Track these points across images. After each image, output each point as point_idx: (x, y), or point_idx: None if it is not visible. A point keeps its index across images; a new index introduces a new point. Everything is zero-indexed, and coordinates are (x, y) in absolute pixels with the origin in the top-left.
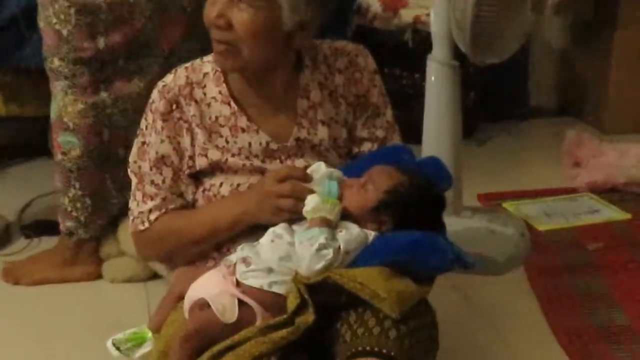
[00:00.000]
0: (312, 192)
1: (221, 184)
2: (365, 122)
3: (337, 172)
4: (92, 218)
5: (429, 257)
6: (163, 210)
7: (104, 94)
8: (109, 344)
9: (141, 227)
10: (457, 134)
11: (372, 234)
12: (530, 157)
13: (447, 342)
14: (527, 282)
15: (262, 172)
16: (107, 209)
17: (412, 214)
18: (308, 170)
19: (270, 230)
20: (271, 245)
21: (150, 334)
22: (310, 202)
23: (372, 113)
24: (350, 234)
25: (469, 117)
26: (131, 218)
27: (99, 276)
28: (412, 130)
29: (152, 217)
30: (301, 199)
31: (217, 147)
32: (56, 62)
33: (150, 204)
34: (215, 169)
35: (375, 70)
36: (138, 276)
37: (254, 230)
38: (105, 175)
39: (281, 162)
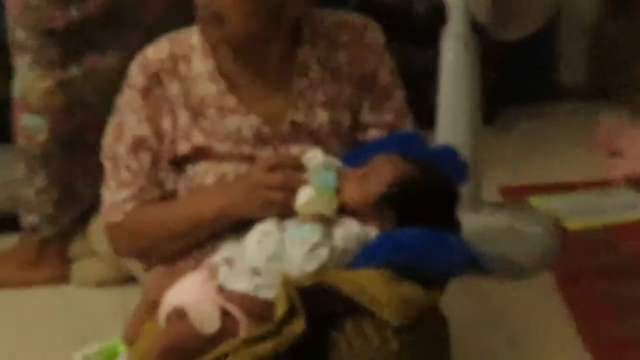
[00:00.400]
0: (306, 183)
1: (205, 173)
2: (372, 106)
3: (334, 161)
4: (59, 212)
5: (438, 258)
6: (139, 201)
7: (74, 69)
8: (78, 359)
9: (115, 219)
10: (475, 119)
11: (373, 232)
12: (559, 145)
13: (461, 356)
14: (555, 287)
15: (252, 160)
16: (76, 201)
17: (419, 210)
18: (303, 159)
19: (258, 226)
20: (258, 243)
21: (122, 347)
22: (304, 195)
23: (380, 95)
24: (349, 231)
25: (490, 99)
26: (104, 208)
27: (66, 279)
28: (424, 114)
29: (128, 207)
30: (293, 191)
31: (201, 130)
32: (21, 33)
33: (125, 192)
34: (199, 155)
35: (384, 46)
36: (112, 279)
37: (242, 226)
38: (76, 163)
39: (274, 149)
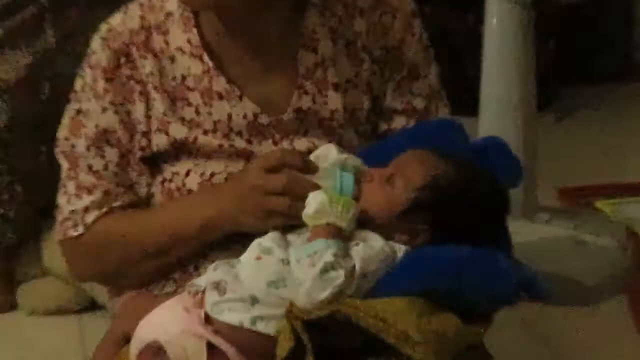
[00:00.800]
0: (316, 187)
1: (188, 173)
2: (399, 87)
3: (353, 159)
4: (21, 214)
5: (484, 283)
6: (105, 209)
7: (48, 32)
8: None
9: (73, 233)
10: (528, 103)
11: (401, 249)
12: (633, 137)
13: None
14: (629, 313)
15: (246, 156)
16: (37, 200)
17: (460, 221)
18: (312, 156)
19: (256, 242)
20: (256, 264)
21: None
22: (314, 202)
23: (409, 74)
24: (370, 248)
25: (547, 78)
26: (59, 219)
27: (12, 306)
28: (464, 97)
29: (89, 218)
30: (300, 198)
31: (182, 120)
32: None
33: (86, 199)
34: (179, 151)
35: (413, 12)
36: (68, 305)
37: (233, 242)
38: (41, 150)
39: (274, 143)
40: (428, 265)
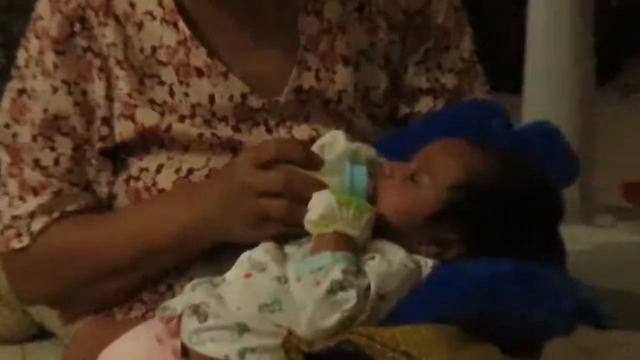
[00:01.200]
0: (321, 186)
1: (159, 169)
2: (424, 61)
3: (366, 150)
4: None
5: (530, 307)
6: (55, 214)
7: None
8: None
9: (16, 244)
10: (585, 78)
11: (428, 264)
12: None
13: None
14: None
15: (233, 148)
16: None
17: (501, 229)
18: (315, 147)
19: (245, 255)
20: (245, 283)
21: None
22: (319, 205)
23: (436, 44)
24: (389, 263)
25: (608, 46)
26: None
27: None
28: (505, 71)
29: (36, 226)
30: (301, 199)
31: (153, 102)
32: None
33: (32, 202)
34: (149, 141)
35: None
36: (10, 333)
37: (217, 254)
38: None
39: (268, 131)
40: (461, 284)
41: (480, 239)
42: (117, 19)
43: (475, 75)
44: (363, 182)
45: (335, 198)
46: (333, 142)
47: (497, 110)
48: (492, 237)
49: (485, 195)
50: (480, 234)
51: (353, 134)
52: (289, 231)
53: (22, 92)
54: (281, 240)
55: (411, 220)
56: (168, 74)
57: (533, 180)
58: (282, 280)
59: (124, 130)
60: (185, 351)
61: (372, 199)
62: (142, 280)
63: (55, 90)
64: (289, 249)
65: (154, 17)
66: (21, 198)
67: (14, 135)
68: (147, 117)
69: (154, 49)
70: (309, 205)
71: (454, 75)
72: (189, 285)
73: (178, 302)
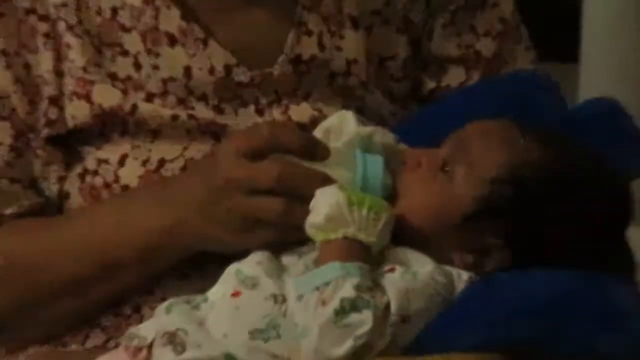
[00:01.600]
0: (327, 180)
1: (123, 161)
2: (453, 23)
3: (383, 135)
4: None
5: (595, 331)
6: None
7: None
8: None
9: None
10: None
11: (462, 277)
12: None
13: None
14: None
15: (215, 133)
16: None
17: (555, 232)
18: (318, 131)
19: (232, 269)
20: (233, 303)
21: None
22: (324, 205)
23: (469, 2)
24: (414, 276)
25: None
26: None
27: None
28: (557, 35)
29: None
30: (302, 197)
31: (114, 77)
32: None
33: None
34: (109, 126)
35: None
36: None
37: (196, 268)
38: None
39: (259, 112)
40: (508, 303)
41: (529, 245)
42: None
43: (517, 40)
44: (379, 175)
45: (345, 196)
46: (341, 126)
47: (546, 83)
48: (544, 243)
49: (536, 190)
50: (529, 239)
51: (366, 114)
52: (286, 237)
53: None
54: (277, 249)
55: (441, 222)
56: (132, 42)
57: (594, 172)
58: (279, 299)
59: (77, 112)
60: None
61: (391, 196)
62: (101, 301)
63: None
64: (287, 259)
65: None
66: None
67: None
68: (107, 96)
69: (114, 11)
70: (311, 205)
71: (490, 40)
72: (161, 307)
73: (148, 329)
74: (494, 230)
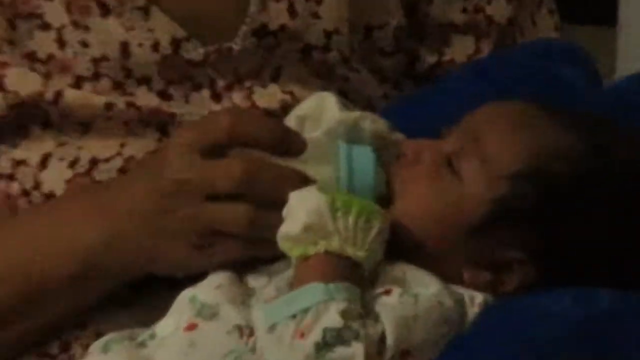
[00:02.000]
0: (303, 180)
1: (45, 162)
2: None
3: (372, 122)
4: None
5: None
6: None
7: None
8: None
9: None
10: None
11: (476, 300)
12: None
13: None
14: None
15: (161, 126)
16: None
17: (590, 240)
18: (291, 119)
19: (185, 295)
20: (188, 338)
21: None
22: (301, 211)
23: None
24: (415, 299)
25: None
26: None
27: None
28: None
29: None
30: (272, 203)
31: (32, 58)
32: None
33: None
34: (27, 119)
35: None
36: None
37: (139, 295)
38: None
39: (216, 97)
40: (532, 330)
41: (559, 258)
42: None
43: (537, 1)
44: (369, 172)
45: (327, 199)
46: (319, 111)
47: (575, 54)
48: (578, 255)
49: (567, 188)
50: (559, 250)
51: (350, 97)
52: (253, 253)
53: None
54: (242, 268)
55: (449, 231)
56: (55, 12)
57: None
58: (245, 331)
59: None
60: None
61: (385, 199)
62: (22, 339)
63: None
64: (255, 281)
65: None
66: None
67: None
68: (24, 82)
69: None
70: (284, 212)
71: (505, 1)
72: (97, 344)
73: None
74: (515, 241)
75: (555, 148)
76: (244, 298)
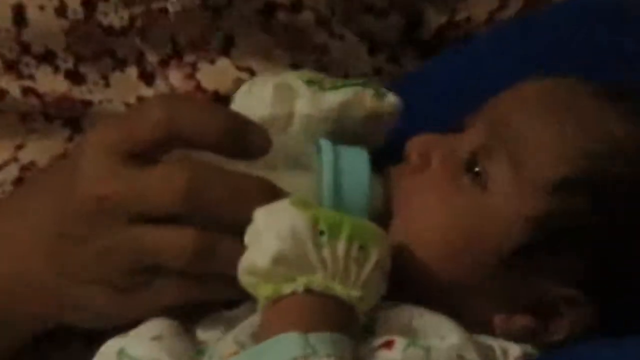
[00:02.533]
0: (270, 192)
1: None
2: None
3: (359, 107)
4: None
5: None
6: None
7: None
8: None
9: None
10: None
11: (511, 353)
12: None
13: None
14: None
15: (71, 120)
16: None
17: None
18: (244, 105)
19: (112, 347)
20: None
21: None
22: (271, 234)
23: None
24: (426, 354)
25: None
26: None
27: None
28: None
29: None
30: (227, 225)
31: None
32: None
33: None
34: None
35: None
36: None
37: (54, 346)
38: None
39: (145, 78)
40: None
41: (622, 293)
42: None
43: None
44: (363, 180)
45: (306, 218)
46: (290, 97)
47: (632, 14)
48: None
49: (631, 197)
50: (625, 284)
51: (331, 73)
52: (202, 296)
53: None
54: (189, 314)
55: (472, 261)
56: None
57: None
58: None
59: None
60: None
61: (384, 216)
62: None
63: None
64: (206, 332)
65: None
66: None
67: None
68: None
69: None
70: (246, 237)
71: None
72: None
73: None
74: (563, 272)
75: (615, 143)
76: (191, 354)
